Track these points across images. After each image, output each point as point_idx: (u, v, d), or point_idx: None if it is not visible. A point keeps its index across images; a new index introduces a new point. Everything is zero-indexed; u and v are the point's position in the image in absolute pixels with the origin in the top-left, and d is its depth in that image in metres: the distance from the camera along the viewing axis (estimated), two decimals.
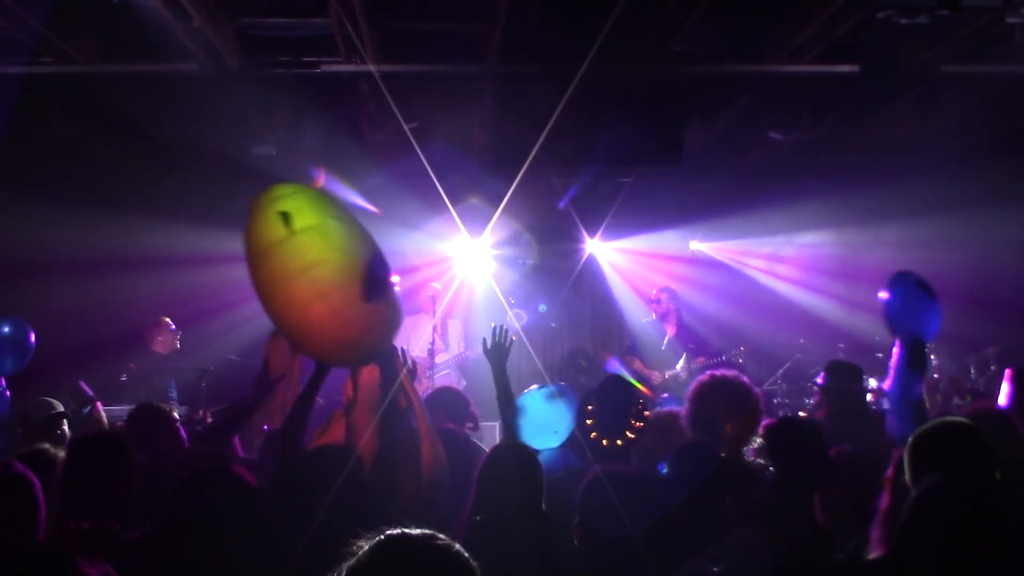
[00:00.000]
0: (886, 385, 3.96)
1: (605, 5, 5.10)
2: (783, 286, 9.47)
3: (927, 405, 4.23)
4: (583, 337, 9.84)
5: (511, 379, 3.99)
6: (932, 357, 6.87)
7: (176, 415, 4.43)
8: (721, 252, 9.64)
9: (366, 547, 1.40)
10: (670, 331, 7.76)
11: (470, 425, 4.63)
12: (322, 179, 6.89)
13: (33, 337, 5.42)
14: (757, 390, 3.71)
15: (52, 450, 3.25)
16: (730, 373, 3.77)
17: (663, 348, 7.67)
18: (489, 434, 6.31)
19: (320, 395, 3.44)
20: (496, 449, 3.20)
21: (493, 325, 4.03)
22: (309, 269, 2.76)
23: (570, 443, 3.97)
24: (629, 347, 8.22)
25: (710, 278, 9.55)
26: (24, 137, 6.92)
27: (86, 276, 7.54)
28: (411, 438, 3.34)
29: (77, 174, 7.57)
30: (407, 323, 6.73)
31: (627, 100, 5.99)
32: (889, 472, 2.72)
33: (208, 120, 6.65)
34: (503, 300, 7.97)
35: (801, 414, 6.84)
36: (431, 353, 7.79)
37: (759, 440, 3.63)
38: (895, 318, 3.89)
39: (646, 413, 3.70)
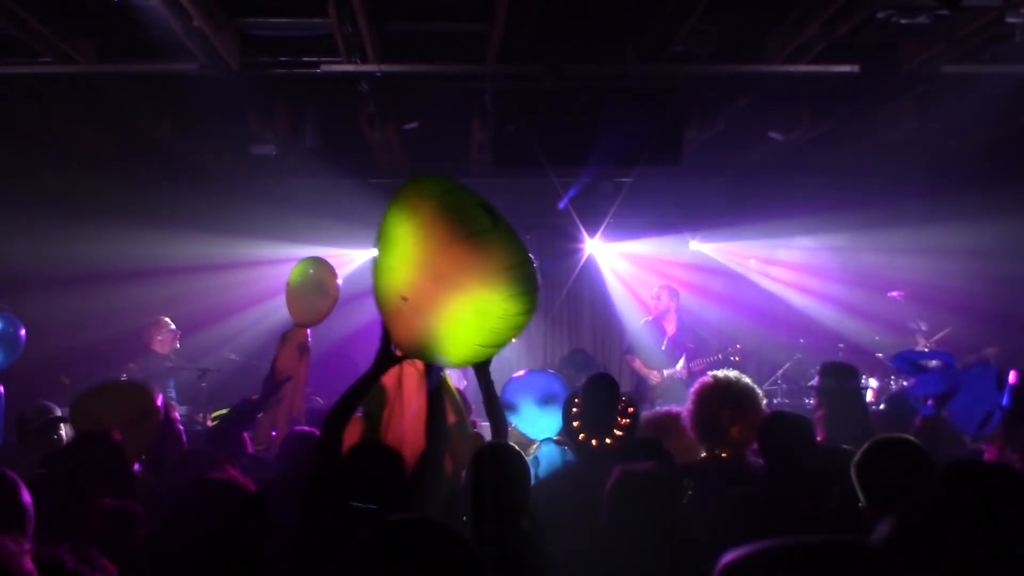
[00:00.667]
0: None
1: (605, 5, 5.10)
2: (782, 287, 9.47)
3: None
4: (583, 337, 9.84)
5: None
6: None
7: (176, 415, 4.43)
8: (721, 252, 9.64)
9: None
10: (669, 330, 7.76)
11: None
12: None
13: (23, 332, 5.36)
14: (759, 391, 3.72)
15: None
16: (733, 374, 3.77)
17: (663, 348, 7.67)
18: (489, 434, 6.28)
19: (320, 395, 3.43)
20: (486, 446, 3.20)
21: None
22: (511, 268, 2.67)
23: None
24: (629, 347, 8.22)
25: (710, 278, 9.55)
26: (24, 137, 6.93)
27: (86, 275, 7.53)
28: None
29: (77, 174, 7.57)
30: None
31: (627, 100, 5.98)
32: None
33: (208, 120, 6.65)
34: None
35: None
36: None
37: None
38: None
39: (630, 410, 3.69)
